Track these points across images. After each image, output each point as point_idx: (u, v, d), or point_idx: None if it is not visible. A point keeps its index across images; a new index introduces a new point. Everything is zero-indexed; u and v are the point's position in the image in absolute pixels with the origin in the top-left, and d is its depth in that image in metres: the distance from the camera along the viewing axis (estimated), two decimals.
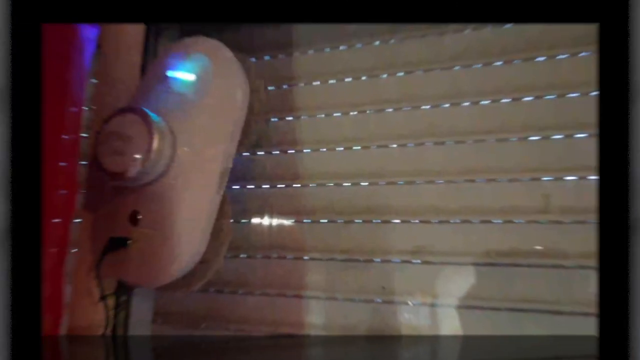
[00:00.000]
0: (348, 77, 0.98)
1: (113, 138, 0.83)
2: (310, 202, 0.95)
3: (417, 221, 0.89)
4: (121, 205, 0.88)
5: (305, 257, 0.94)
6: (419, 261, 0.88)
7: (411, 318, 0.86)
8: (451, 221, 0.87)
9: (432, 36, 0.93)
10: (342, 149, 0.96)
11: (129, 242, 0.86)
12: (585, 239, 0.80)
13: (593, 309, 0.77)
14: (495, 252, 0.84)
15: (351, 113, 0.97)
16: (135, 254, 0.86)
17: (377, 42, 0.96)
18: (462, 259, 0.85)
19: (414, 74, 0.93)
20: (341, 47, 0.99)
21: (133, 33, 0.99)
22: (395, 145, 0.93)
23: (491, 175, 0.86)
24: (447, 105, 0.91)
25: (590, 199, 0.80)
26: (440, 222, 0.88)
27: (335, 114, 0.98)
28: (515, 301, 0.82)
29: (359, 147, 0.95)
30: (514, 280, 0.83)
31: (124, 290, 0.93)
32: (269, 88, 1.00)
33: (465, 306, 0.84)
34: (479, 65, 0.90)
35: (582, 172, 0.82)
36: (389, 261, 0.89)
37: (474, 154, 0.88)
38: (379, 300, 0.89)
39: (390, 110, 0.94)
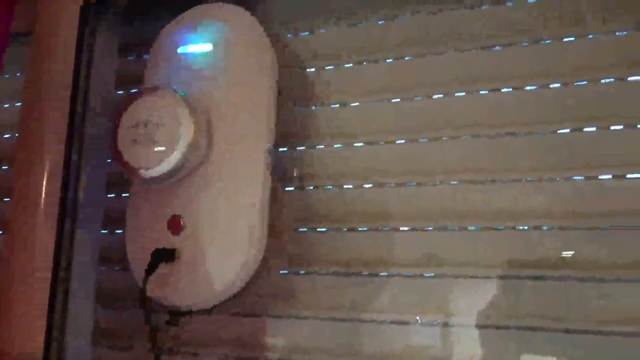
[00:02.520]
0: (332, 64, 0.85)
1: (137, 126, 0.72)
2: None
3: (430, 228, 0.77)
4: (156, 210, 0.76)
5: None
6: (431, 274, 0.76)
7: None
8: (469, 228, 0.75)
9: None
10: (322, 146, 0.84)
11: (176, 253, 0.73)
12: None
13: None
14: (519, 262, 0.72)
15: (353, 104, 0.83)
16: (185, 268, 0.73)
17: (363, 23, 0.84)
18: (480, 271, 0.73)
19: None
20: (322, 31, 0.86)
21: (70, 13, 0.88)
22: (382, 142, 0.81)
23: (514, 175, 0.74)
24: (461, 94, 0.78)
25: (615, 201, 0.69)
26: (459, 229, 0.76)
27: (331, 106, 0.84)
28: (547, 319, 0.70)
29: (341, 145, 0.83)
30: (541, 295, 0.71)
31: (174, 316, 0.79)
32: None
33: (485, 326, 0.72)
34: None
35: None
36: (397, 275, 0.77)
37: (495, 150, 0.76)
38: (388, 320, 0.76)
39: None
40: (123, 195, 0.94)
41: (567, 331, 0.68)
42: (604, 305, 0.67)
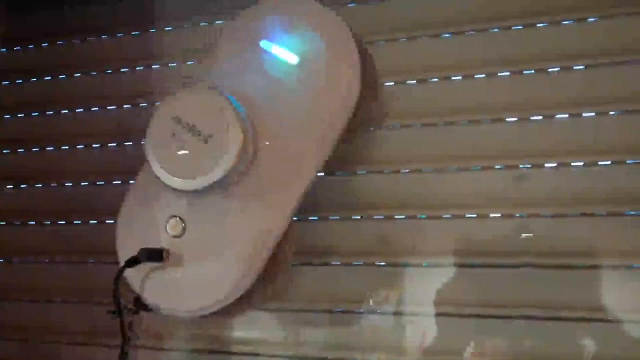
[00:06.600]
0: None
1: (177, 128, 0.63)
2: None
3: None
4: (159, 208, 0.68)
5: None
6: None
7: None
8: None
9: None
10: None
11: (165, 255, 0.66)
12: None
13: None
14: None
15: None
16: (173, 273, 0.66)
17: None
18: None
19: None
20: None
21: None
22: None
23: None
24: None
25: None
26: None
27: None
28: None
29: None
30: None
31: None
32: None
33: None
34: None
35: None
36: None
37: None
38: None
39: None
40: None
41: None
42: (555, 292, 0.69)
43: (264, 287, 0.71)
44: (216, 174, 0.61)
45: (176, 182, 0.63)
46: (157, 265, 0.67)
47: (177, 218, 0.67)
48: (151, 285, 0.68)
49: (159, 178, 0.63)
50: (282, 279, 0.74)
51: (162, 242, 0.67)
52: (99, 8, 0.90)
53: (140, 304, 0.70)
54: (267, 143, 0.66)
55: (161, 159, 0.63)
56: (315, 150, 0.68)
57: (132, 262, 0.66)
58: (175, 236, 0.67)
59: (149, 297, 0.68)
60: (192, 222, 0.67)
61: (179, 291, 0.68)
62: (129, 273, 0.68)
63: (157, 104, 0.85)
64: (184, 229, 0.67)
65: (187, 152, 0.62)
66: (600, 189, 0.70)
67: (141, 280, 0.68)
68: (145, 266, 0.66)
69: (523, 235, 0.71)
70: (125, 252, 0.69)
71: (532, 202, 0.71)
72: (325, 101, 0.68)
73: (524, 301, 0.70)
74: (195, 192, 0.64)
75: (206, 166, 0.62)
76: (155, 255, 0.67)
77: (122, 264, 0.69)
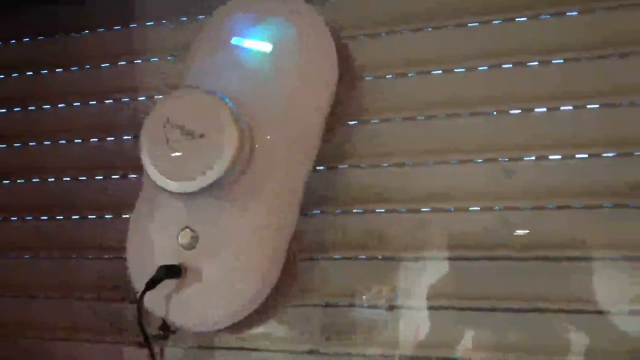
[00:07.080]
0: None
1: (171, 131, 0.63)
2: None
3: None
4: (169, 220, 0.68)
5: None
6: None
7: None
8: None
9: None
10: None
11: (183, 271, 0.66)
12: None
13: None
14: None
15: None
16: (192, 288, 0.67)
17: None
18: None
19: None
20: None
21: None
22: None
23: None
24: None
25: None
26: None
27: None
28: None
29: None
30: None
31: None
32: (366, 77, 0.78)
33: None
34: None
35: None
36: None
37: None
38: None
39: None
40: None
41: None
42: (547, 285, 0.70)
43: (290, 283, 0.72)
44: (214, 173, 0.61)
45: (172, 185, 0.63)
46: (175, 283, 0.66)
47: (187, 229, 0.66)
48: (172, 304, 0.67)
49: (157, 184, 0.63)
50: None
51: (175, 256, 0.67)
52: (80, 4, 0.90)
53: (167, 328, 0.71)
54: (268, 137, 0.66)
55: (158, 164, 0.63)
56: (308, 140, 0.69)
57: (153, 282, 0.65)
58: (188, 248, 0.67)
59: (172, 318, 0.68)
60: (202, 232, 0.67)
61: (203, 305, 0.67)
62: (146, 297, 0.67)
63: (139, 98, 0.85)
64: (196, 240, 0.66)
65: (183, 154, 0.62)
66: (578, 182, 0.70)
67: (161, 301, 0.67)
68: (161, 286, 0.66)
69: (518, 232, 0.72)
70: (137, 269, 0.70)
71: (512, 195, 0.72)
72: (306, 91, 0.69)
73: (507, 294, 0.71)
74: (198, 198, 0.64)
75: (204, 166, 0.62)
76: (173, 271, 0.66)
77: (134, 281, 0.69)
